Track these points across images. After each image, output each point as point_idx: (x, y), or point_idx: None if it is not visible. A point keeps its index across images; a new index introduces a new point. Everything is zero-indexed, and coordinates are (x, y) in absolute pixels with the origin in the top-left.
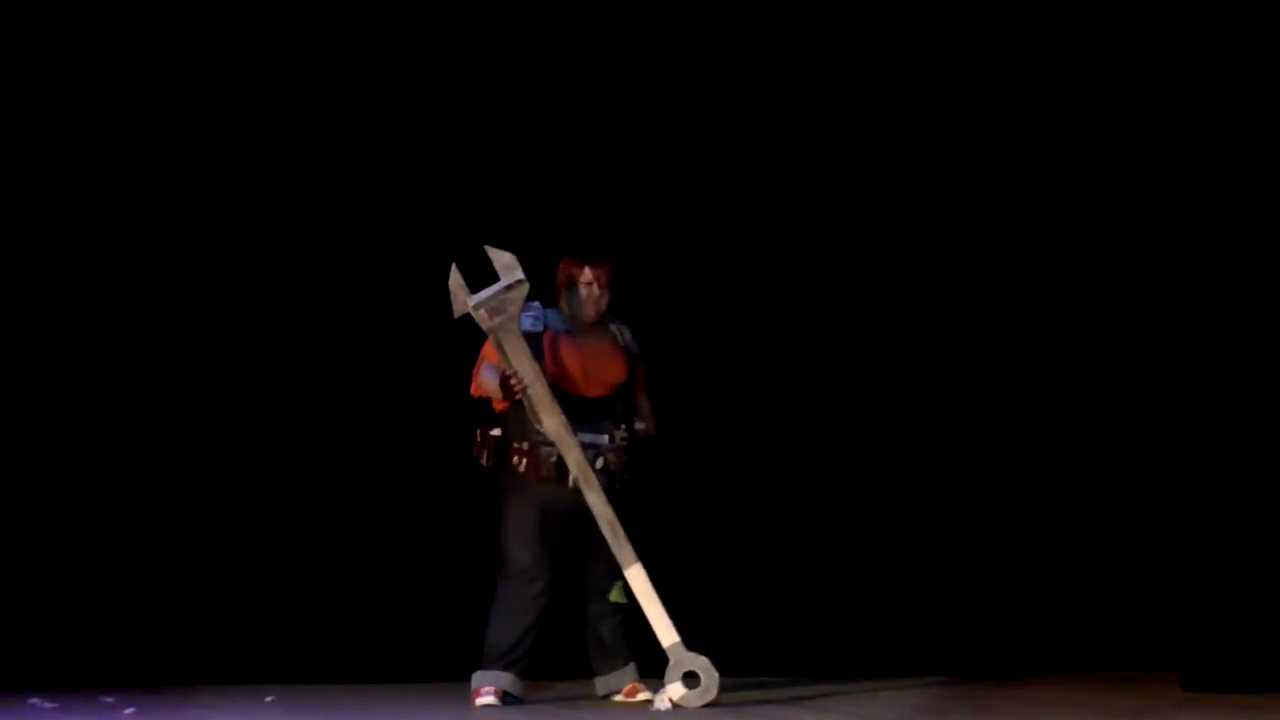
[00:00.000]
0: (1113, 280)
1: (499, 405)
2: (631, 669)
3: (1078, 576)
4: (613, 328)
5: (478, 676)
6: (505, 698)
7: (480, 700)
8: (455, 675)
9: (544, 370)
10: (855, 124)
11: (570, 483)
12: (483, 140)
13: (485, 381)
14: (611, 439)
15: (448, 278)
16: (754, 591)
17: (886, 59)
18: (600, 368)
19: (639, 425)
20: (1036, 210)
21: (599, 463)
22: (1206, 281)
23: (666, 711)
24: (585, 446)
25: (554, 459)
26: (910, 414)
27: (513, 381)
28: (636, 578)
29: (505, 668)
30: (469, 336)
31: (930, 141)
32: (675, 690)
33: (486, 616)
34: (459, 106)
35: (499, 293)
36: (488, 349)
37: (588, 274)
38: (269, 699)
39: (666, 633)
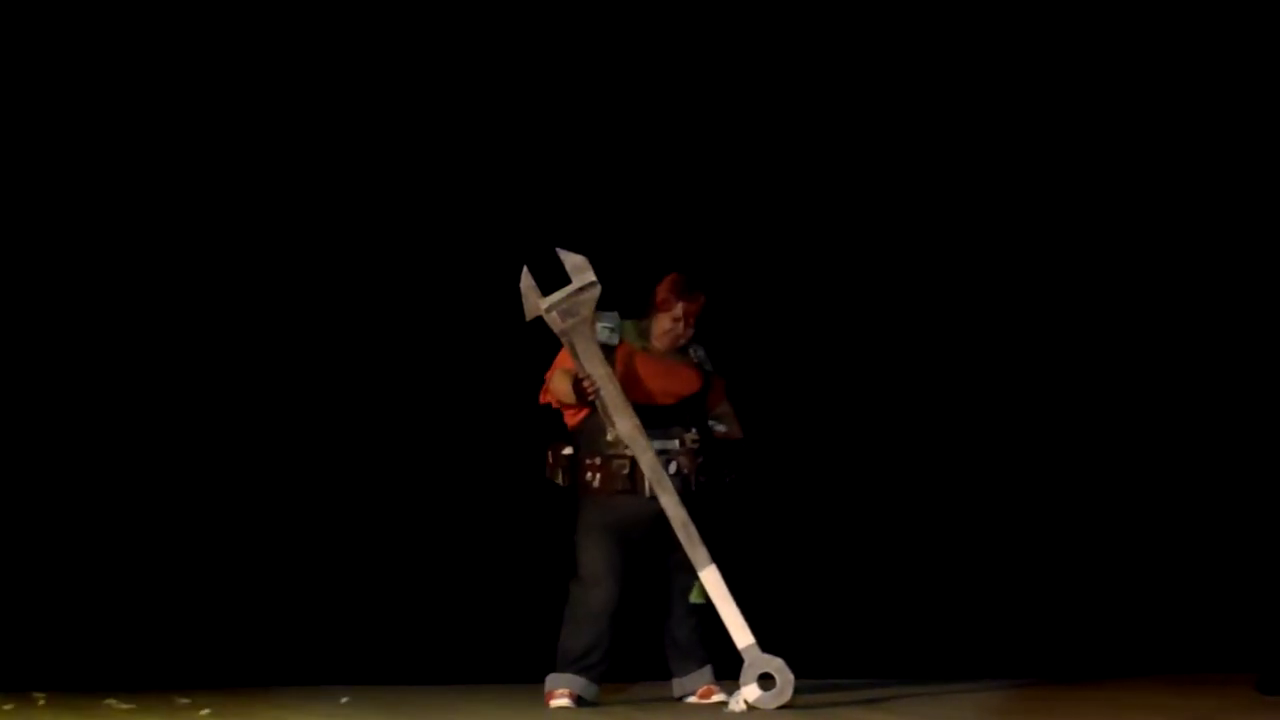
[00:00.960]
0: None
1: (570, 415)
2: (707, 671)
3: (1156, 578)
4: (689, 349)
5: (551, 679)
6: (579, 701)
7: (555, 702)
8: (530, 677)
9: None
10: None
11: (645, 491)
12: (553, 142)
13: (557, 387)
14: (682, 443)
15: (519, 280)
16: (829, 593)
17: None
18: (672, 381)
19: (719, 428)
20: (1038, 212)
21: (671, 467)
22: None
23: (741, 713)
24: (657, 452)
25: (626, 470)
26: (985, 417)
27: (585, 384)
28: (711, 579)
29: (578, 672)
30: (543, 340)
31: (937, 144)
32: (750, 692)
33: (560, 620)
34: (526, 110)
35: (571, 295)
36: (562, 357)
37: (679, 310)
38: (344, 699)
39: (741, 634)
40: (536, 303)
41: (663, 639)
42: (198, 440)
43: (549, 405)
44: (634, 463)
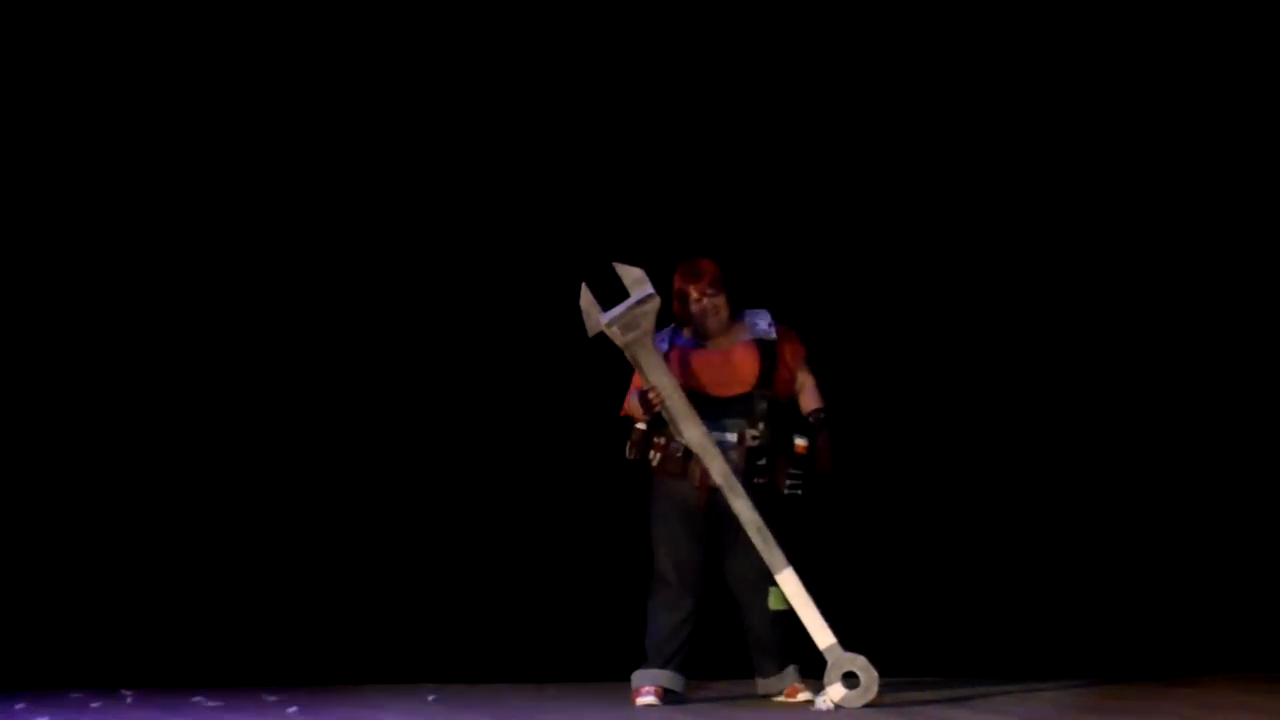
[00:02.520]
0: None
1: (626, 409)
2: (792, 671)
3: (1240, 576)
4: (746, 321)
5: (637, 675)
6: (666, 695)
7: (640, 700)
8: (619, 674)
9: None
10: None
11: (695, 483)
12: (600, 155)
13: (631, 403)
14: (740, 438)
15: (578, 298)
16: (914, 591)
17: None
18: (728, 371)
19: (799, 441)
20: (1040, 212)
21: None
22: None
23: (828, 712)
24: (725, 443)
25: (680, 453)
26: (1067, 416)
27: (650, 396)
28: (789, 582)
29: (663, 665)
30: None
31: (942, 144)
32: (836, 691)
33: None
34: (550, 116)
35: (631, 308)
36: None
37: (694, 292)
38: (431, 698)
39: (823, 635)
40: (598, 319)
41: (744, 636)
42: (281, 438)
43: (629, 418)
44: (688, 449)
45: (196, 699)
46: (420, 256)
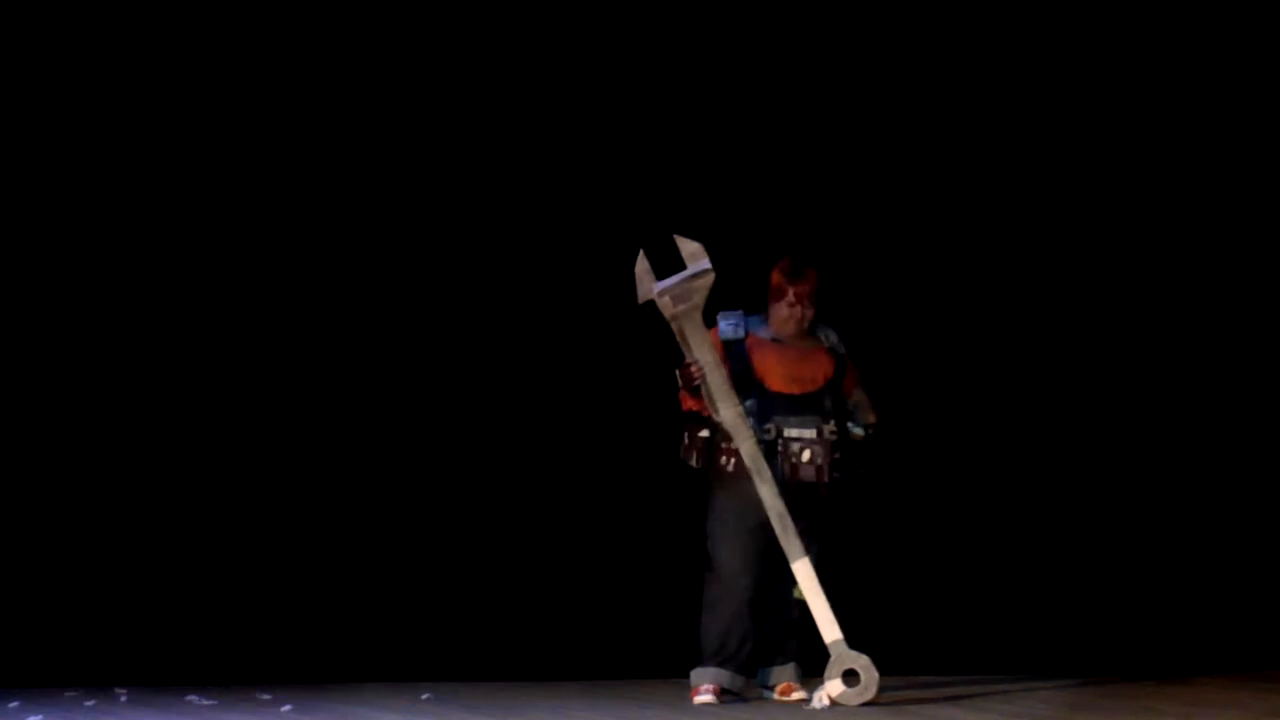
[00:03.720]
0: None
1: (688, 404)
2: (791, 668)
3: (1240, 576)
4: (819, 333)
5: (696, 673)
6: (723, 694)
7: (699, 699)
8: (616, 673)
9: (741, 369)
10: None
11: (785, 477)
12: (674, 132)
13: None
14: (819, 433)
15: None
16: (909, 590)
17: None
18: (805, 367)
19: (855, 430)
20: (1041, 211)
21: (805, 455)
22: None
23: (824, 710)
24: (793, 440)
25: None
26: (1061, 417)
27: (693, 369)
28: (802, 572)
29: (720, 664)
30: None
31: (944, 143)
32: (834, 687)
33: (697, 610)
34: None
35: (684, 280)
36: None
37: (791, 294)
38: (425, 696)
39: (830, 629)
40: (650, 286)
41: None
42: (269, 436)
43: (692, 414)
44: (771, 449)
45: (190, 698)
46: (419, 255)
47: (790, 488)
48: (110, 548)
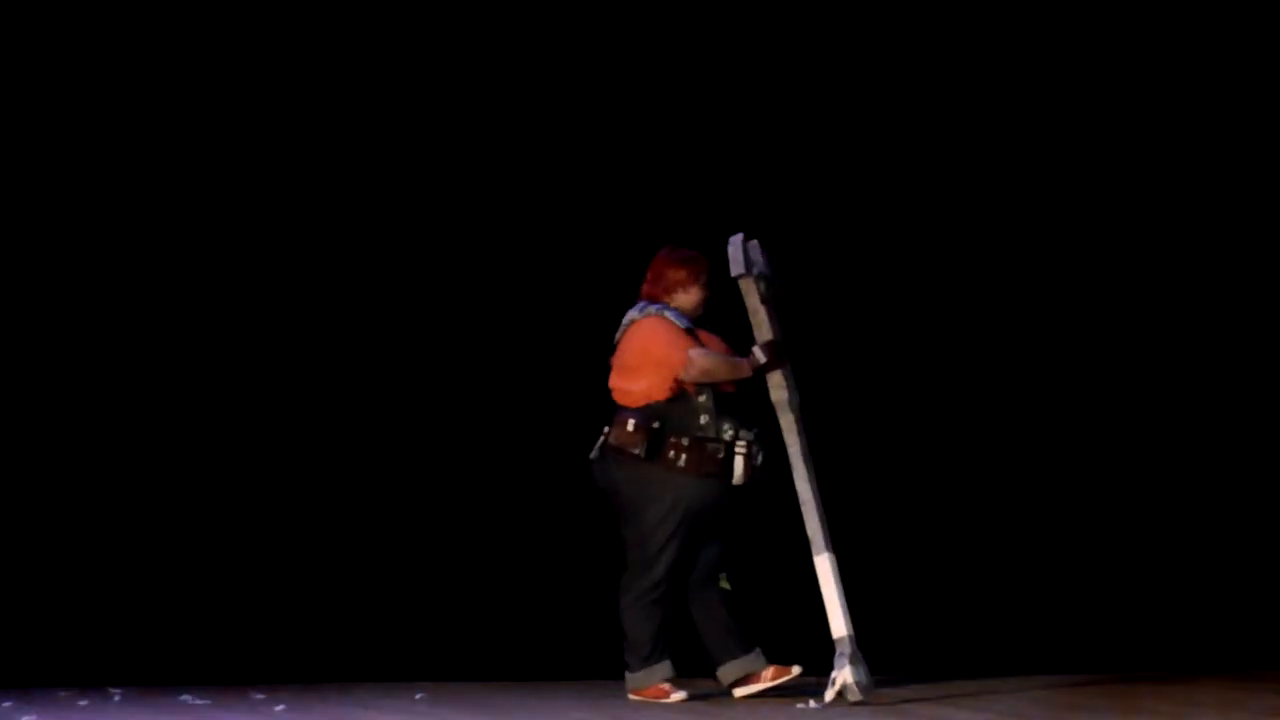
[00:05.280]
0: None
1: (658, 392)
2: (759, 654)
3: (1231, 575)
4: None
5: (645, 675)
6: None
7: (676, 695)
8: (604, 672)
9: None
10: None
11: (737, 480)
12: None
13: (714, 367)
14: (755, 434)
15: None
16: (906, 589)
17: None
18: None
19: None
20: (1040, 210)
21: (760, 458)
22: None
23: (819, 710)
24: (751, 441)
25: (720, 454)
26: (1055, 414)
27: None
28: (826, 564)
29: (663, 658)
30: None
31: (943, 142)
32: (847, 675)
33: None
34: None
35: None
36: (675, 335)
37: (704, 280)
38: (419, 696)
39: (840, 624)
40: (747, 267)
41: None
42: (260, 436)
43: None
44: (729, 449)
45: (184, 697)
46: (414, 256)
47: (736, 488)
48: (106, 547)
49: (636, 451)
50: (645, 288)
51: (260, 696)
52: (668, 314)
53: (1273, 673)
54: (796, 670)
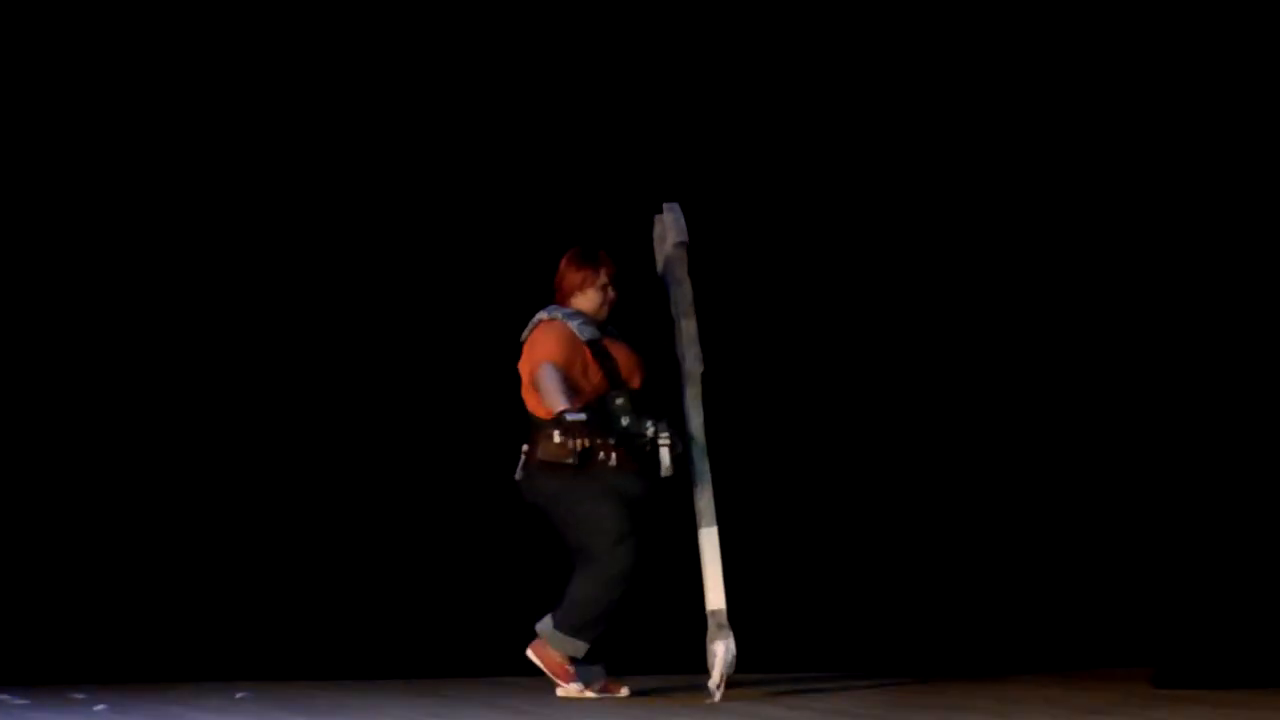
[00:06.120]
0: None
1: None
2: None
3: (1049, 573)
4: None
5: (566, 644)
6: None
7: (624, 692)
8: (428, 672)
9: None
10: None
11: (665, 471)
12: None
13: (546, 391)
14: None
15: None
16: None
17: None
18: (636, 359)
19: None
20: (1038, 210)
21: (679, 447)
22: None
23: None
24: (670, 439)
25: (647, 449)
26: (898, 414)
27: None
28: (710, 538)
29: (587, 642)
30: None
31: (934, 139)
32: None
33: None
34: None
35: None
36: (548, 342)
37: (604, 276)
38: (240, 695)
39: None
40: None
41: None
42: (110, 439)
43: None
44: (654, 442)
45: (2, 697)
46: (407, 258)
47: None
48: None
49: (570, 462)
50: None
51: (80, 696)
52: (565, 318)
53: (1099, 671)
54: (625, 692)
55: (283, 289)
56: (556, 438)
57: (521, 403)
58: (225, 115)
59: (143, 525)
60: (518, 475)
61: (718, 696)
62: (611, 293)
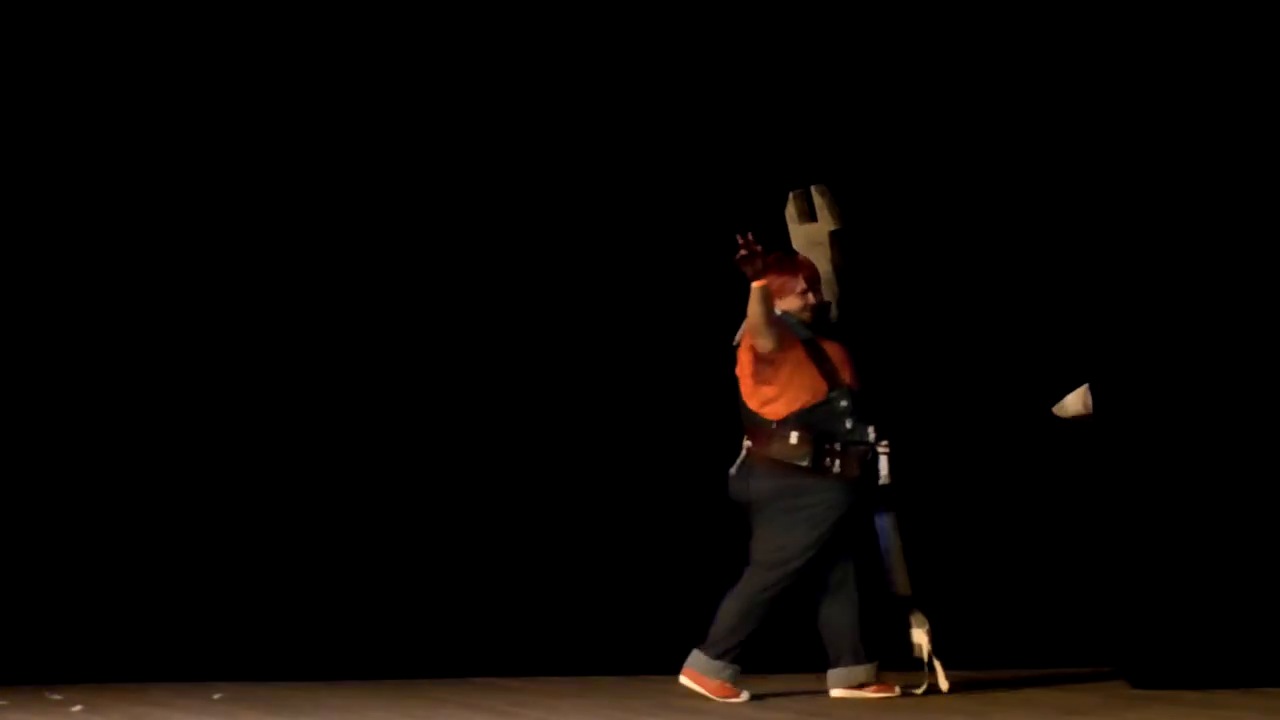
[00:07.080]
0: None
1: (799, 401)
2: (873, 667)
3: (1029, 573)
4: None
5: (722, 670)
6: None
7: (745, 696)
8: (401, 672)
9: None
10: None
11: (884, 480)
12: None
13: (751, 314)
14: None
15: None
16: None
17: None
18: (848, 356)
19: None
20: (1039, 206)
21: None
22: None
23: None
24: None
25: (868, 457)
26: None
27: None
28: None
29: (736, 659)
30: None
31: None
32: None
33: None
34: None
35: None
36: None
37: (802, 281)
38: (217, 696)
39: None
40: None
41: (817, 625)
42: (89, 440)
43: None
44: (874, 449)
45: None
46: (414, 253)
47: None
48: None
49: (803, 463)
50: None
51: (56, 697)
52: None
53: (1075, 670)
54: (896, 691)
55: (283, 292)
56: (793, 439)
57: (741, 404)
58: (225, 115)
59: (120, 526)
60: (732, 470)
61: (945, 685)
62: (812, 297)
